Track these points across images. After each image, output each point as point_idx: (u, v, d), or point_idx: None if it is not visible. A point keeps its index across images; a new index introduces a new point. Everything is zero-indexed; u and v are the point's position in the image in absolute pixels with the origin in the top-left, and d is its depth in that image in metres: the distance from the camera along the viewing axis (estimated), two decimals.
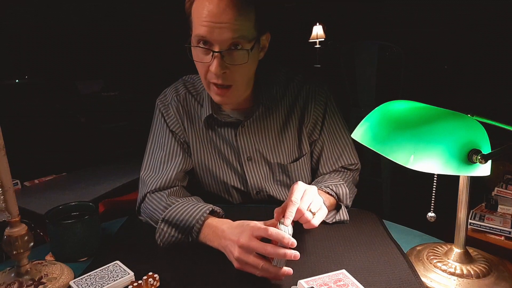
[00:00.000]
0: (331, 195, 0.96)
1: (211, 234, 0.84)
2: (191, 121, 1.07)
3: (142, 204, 0.99)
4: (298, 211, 0.79)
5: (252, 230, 0.74)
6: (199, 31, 0.85)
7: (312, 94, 1.06)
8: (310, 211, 0.81)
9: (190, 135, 1.07)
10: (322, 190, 0.95)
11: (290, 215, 0.76)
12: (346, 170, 1.09)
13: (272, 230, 0.72)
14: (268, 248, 0.71)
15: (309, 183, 1.09)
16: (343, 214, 0.95)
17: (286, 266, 0.72)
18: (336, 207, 0.98)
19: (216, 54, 0.86)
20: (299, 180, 1.08)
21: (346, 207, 0.99)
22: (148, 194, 0.98)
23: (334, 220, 0.95)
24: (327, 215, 0.92)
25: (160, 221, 0.89)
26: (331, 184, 0.98)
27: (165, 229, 0.87)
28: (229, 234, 0.78)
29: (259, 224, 0.77)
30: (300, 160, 1.08)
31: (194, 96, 1.07)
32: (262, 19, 0.90)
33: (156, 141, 1.07)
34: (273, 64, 1.07)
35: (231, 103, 1.01)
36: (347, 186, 1.00)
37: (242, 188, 1.09)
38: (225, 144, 1.06)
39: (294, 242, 0.71)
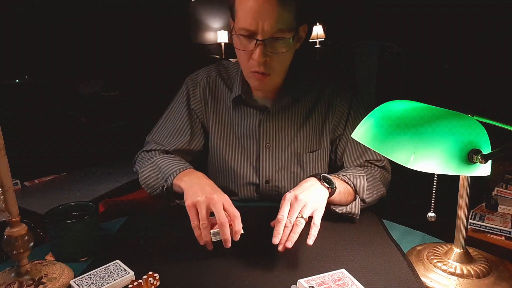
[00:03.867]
0: (347, 183, 0.95)
1: (188, 174, 0.92)
2: (216, 103, 1.10)
3: (137, 159, 1.11)
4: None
5: (228, 201, 0.82)
6: (244, 24, 0.89)
7: (338, 90, 1.08)
8: (302, 216, 0.81)
9: (211, 117, 1.10)
10: (339, 178, 0.95)
11: (277, 233, 0.78)
12: (372, 165, 1.08)
13: (237, 215, 0.80)
14: (222, 218, 0.78)
15: None
16: (355, 207, 0.94)
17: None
18: (353, 197, 0.97)
19: (259, 42, 0.89)
20: (313, 173, 1.07)
21: (363, 201, 0.97)
22: (144, 152, 1.10)
23: (343, 211, 0.94)
24: (339, 205, 0.94)
25: (148, 164, 1.02)
26: (350, 174, 0.97)
27: (149, 170, 1.02)
28: (210, 183, 0.87)
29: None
30: (317, 152, 1.09)
31: (224, 79, 1.11)
32: (302, 10, 0.93)
33: (172, 113, 1.13)
34: (304, 57, 1.10)
35: (267, 90, 1.04)
36: (369, 180, 0.98)
37: (253, 176, 1.09)
38: (247, 129, 1.08)
39: (239, 231, 0.79)
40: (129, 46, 4.09)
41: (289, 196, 0.83)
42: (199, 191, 0.83)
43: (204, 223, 0.79)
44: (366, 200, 0.98)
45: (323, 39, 4.82)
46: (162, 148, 1.09)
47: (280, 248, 0.77)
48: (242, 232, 0.80)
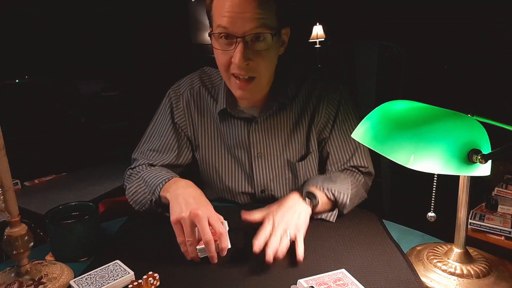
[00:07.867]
0: (329, 199, 0.95)
1: (173, 184, 0.90)
2: (202, 115, 1.07)
3: (125, 177, 1.07)
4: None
5: (213, 216, 0.80)
6: (221, 22, 0.85)
7: (325, 92, 1.04)
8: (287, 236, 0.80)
9: (199, 129, 1.07)
10: (322, 192, 0.94)
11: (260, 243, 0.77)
12: (356, 171, 1.06)
13: (223, 232, 0.78)
14: (207, 237, 0.76)
15: None
16: (331, 216, 0.95)
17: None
18: (332, 208, 0.97)
19: (239, 40, 0.85)
20: (306, 178, 1.07)
21: (341, 213, 0.97)
22: (131, 169, 1.06)
23: (317, 217, 0.95)
24: (317, 210, 0.93)
25: (135, 179, 1.00)
26: (335, 189, 0.95)
27: (136, 186, 0.98)
28: (195, 193, 0.85)
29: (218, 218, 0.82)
30: (307, 158, 1.07)
31: (209, 89, 1.07)
32: (283, 9, 0.90)
33: (156, 128, 1.09)
34: (288, 62, 1.06)
35: (251, 98, 0.99)
36: (353, 190, 0.97)
37: (247, 186, 1.08)
38: (236, 140, 1.05)
39: (226, 248, 0.78)
40: (129, 46, 4.09)
41: (268, 226, 0.80)
42: (183, 205, 0.81)
43: (190, 240, 0.78)
44: (345, 212, 0.98)
45: (323, 39, 4.82)
46: (149, 162, 1.06)
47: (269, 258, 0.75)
48: (229, 247, 0.79)
